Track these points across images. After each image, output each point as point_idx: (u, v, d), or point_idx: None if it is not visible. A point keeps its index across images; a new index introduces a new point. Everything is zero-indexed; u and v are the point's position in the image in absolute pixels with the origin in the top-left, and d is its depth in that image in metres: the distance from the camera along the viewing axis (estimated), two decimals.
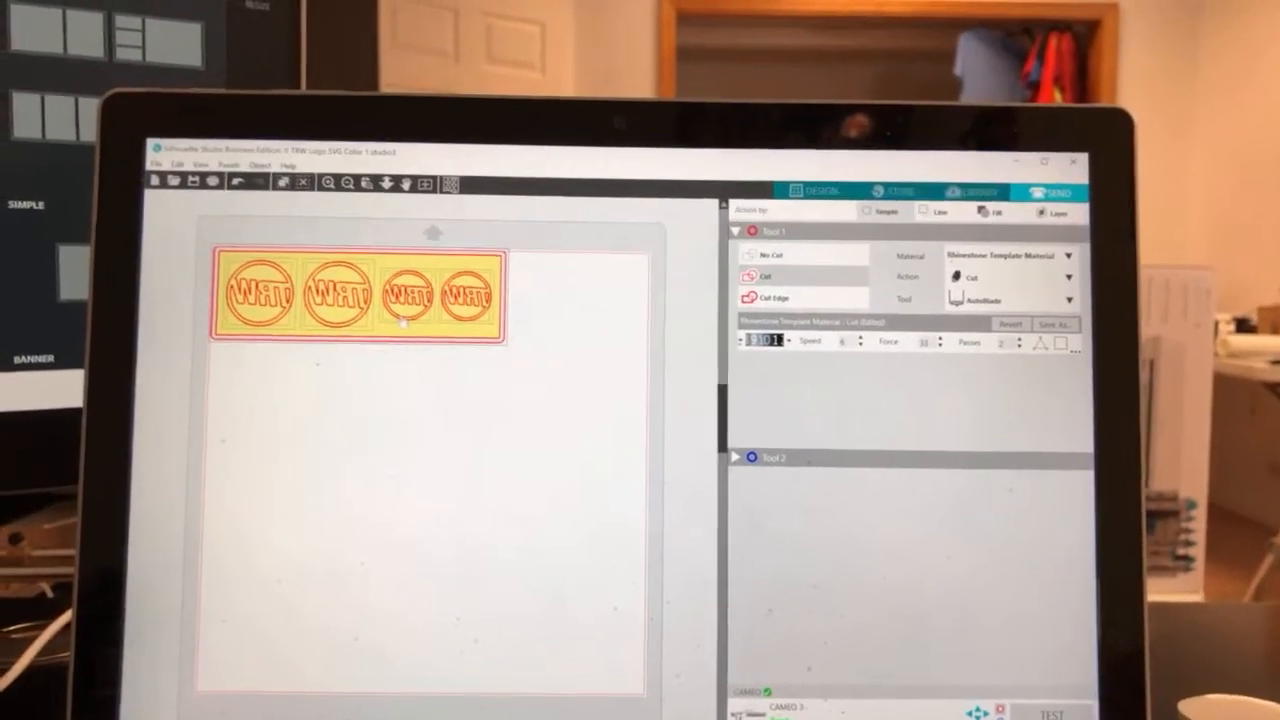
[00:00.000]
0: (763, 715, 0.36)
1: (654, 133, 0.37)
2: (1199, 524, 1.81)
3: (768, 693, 0.36)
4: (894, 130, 0.38)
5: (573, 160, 0.37)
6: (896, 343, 0.37)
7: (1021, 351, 0.37)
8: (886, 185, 0.37)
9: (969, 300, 0.37)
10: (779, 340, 0.37)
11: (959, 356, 0.37)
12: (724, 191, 0.37)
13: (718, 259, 0.37)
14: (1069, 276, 0.37)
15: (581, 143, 0.37)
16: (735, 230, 0.37)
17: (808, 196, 0.37)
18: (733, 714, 0.36)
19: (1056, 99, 3.92)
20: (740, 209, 0.37)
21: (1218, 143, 3.80)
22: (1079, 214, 0.38)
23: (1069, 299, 0.37)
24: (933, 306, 0.37)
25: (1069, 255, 0.37)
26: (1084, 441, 0.37)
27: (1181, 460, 1.79)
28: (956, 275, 0.37)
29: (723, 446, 0.37)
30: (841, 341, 0.37)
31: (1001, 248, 0.37)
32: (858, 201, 0.37)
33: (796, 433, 0.37)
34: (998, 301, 0.37)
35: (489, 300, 0.37)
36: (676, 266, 0.37)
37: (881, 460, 0.36)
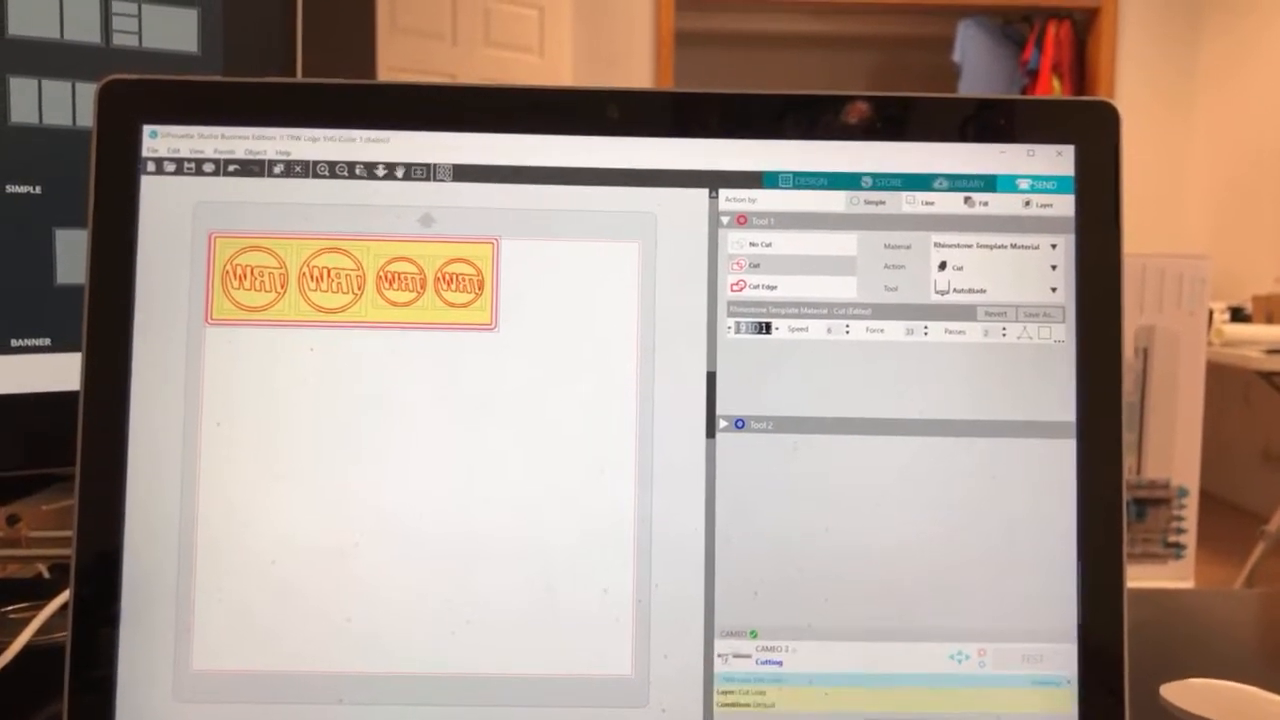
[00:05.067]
0: None
1: (645, 122, 0.38)
2: (1190, 512, 1.82)
3: None
4: (883, 121, 0.38)
5: (564, 149, 0.38)
6: (883, 331, 0.37)
7: (1006, 341, 0.38)
8: (875, 176, 0.38)
9: (954, 290, 0.38)
10: (767, 328, 0.37)
11: (944, 345, 0.37)
12: (714, 181, 0.38)
13: (707, 248, 0.38)
14: (1054, 267, 0.38)
15: (573, 131, 0.38)
16: (725, 219, 0.38)
17: (797, 186, 0.38)
18: (720, 692, 0.36)
19: (1055, 87, 3.92)
20: (730, 198, 0.38)
21: (1216, 131, 3.80)
22: (1064, 205, 0.38)
23: (1053, 289, 0.38)
24: (919, 296, 0.38)
25: (1054, 246, 0.38)
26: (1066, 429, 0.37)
27: (1174, 448, 1.80)
28: (943, 265, 0.38)
29: (710, 433, 0.37)
30: (829, 330, 0.37)
31: (987, 238, 0.38)
32: (846, 192, 0.38)
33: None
34: (983, 291, 0.38)
35: (481, 287, 0.37)
36: (667, 255, 0.37)
37: (866, 428, 0.37)
